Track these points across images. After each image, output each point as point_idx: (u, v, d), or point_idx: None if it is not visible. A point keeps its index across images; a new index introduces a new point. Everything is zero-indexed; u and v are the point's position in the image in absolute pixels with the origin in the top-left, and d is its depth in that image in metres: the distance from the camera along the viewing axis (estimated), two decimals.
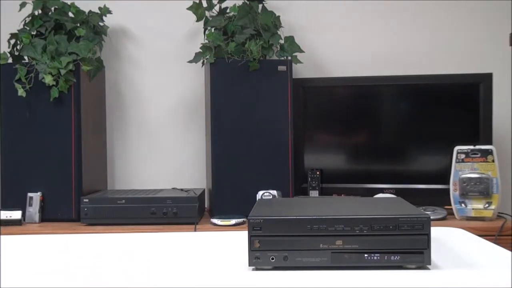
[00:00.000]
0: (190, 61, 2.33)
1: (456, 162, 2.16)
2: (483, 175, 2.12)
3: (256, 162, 2.26)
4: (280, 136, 2.27)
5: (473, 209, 2.12)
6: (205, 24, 2.37)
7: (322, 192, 2.37)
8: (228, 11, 2.36)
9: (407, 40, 2.58)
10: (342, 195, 2.36)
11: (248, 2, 2.35)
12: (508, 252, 1.14)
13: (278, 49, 2.35)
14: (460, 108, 2.32)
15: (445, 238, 1.30)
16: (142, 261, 1.14)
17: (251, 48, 2.22)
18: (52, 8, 2.35)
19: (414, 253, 0.99)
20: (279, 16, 2.39)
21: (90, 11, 2.41)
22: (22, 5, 2.30)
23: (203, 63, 2.42)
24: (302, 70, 2.56)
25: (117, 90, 2.64)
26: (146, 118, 2.64)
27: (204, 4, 2.38)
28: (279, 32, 2.35)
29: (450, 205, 2.17)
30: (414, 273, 0.98)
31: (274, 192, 2.17)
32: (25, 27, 2.32)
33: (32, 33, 2.30)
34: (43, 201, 2.25)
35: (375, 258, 1.00)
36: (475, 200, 2.13)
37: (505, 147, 2.53)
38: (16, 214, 2.19)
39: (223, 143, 2.26)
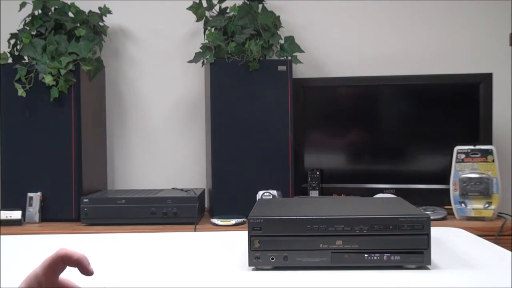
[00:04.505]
0: (190, 61, 2.33)
1: (456, 162, 2.16)
2: (483, 175, 2.12)
3: (256, 162, 2.26)
4: (280, 136, 2.27)
5: (473, 209, 2.12)
6: (205, 24, 2.36)
7: (322, 192, 2.36)
8: (228, 11, 2.36)
9: (407, 40, 2.58)
10: (342, 195, 2.36)
11: (248, 2, 2.35)
12: (508, 252, 1.14)
13: (278, 49, 2.35)
14: (460, 108, 2.32)
15: (445, 238, 1.30)
16: (142, 261, 1.14)
17: (251, 48, 2.22)
18: (52, 8, 2.35)
19: (414, 253, 0.99)
20: (279, 16, 2.39)
21: (90, 11, 2.41)
22: (22, 5, 2.30)
23: (203, 63, 2.42)
24: (302, 70, 2.56)
25: (117, 90, 2.64)
26: (146, 118, 2.64)
27: (204, 4, 2.38)
28: (279, 32, 2.35)
29: (450, 205, 2.17)
30: (414, 273, 0.98)
31: (274, 192, 2.17)
32: (25, 27, 2.32)
33: (32, 33, 2.30)
34: (43, 201, 2.24)
35: (375, 258, 1.00)
36: (475, 200, 2.13)
37: (505, 147, 2.53)
38: (16, 214, 2.19)
39: (223, 143, 2.26)
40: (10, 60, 2.31)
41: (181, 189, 2.41)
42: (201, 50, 2.30)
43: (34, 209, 2.22)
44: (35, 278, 0.66)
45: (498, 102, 2.51)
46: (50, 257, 0.66)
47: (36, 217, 2.22)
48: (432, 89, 2.34)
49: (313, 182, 2.35)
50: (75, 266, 0.67)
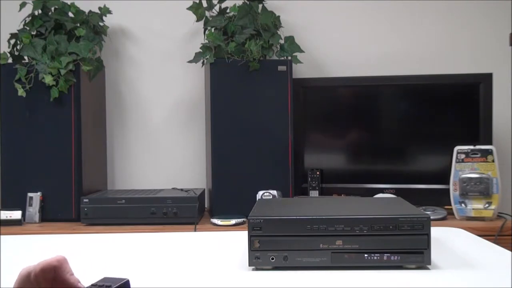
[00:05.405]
0: (190, 61, 2.33)
1: (456, 162, 2.16)
2: (483, 175, 2.12)
3: (256, 162, 2.26)
4: (280, 136, 2.27)
5: (473, 209, 2.12)
6: (205, 24, 2.37)
7: (322, 192, 2.36)
8: (228, 11, 2.36)
9: (407, 40, 2.58)
10: (342, 195, 2.36)
11: (248, 2, 2.35)
12: (508, 252, 1.14)
13: (278, 49, 2.35)
14: (460, 108, 2.32)
15: (445, 238, 1.30)
16: (142, 261, 1.14)
17: (251, 48, 2.22)
18: (52, 8, 2.35)
19: (414, 253, 0.99)
20: (279, 16, 2.39)
21: (90, 11, 2.41)
22: (22, 5, 2.30)
23: (203, 63, 2.42)
24: (302, 70, 2.56)
25: (117, 90, 2.64)
26: (146, 118, 2.64)
27: (204, 4, 2.38)
28: (279, 32, 2.35)
29: (450, 205, 2.17)
30: (414, 273, 0.98)
31: (274, 192, 2.17)
32: (25, 27, 2.32)
33: (32, 33, 2.29)
34: (43, 201, 2.24)
35: (375, 258, 1.00)
36: (475, 200, 2.13)
37: (505, 147, 2.53)
38: (16, 214, 2.19)
39: (223, 143, 2.26)
40: (10, 60, 2.31)
41: (181, 189, 2.41)
42: (201, 50, 2.30)
43: (34, 209, 2.22)
44: (26, 276, 0.67)
45: (498, 102, 2.51)
46: (47, 261, 0.67)
47: (36, 217, 2.22)
48: (432, 89, 2.34)
49: (313, 182, 2.35)
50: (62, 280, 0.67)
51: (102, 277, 0.83)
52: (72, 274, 0.68)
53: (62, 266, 0.67)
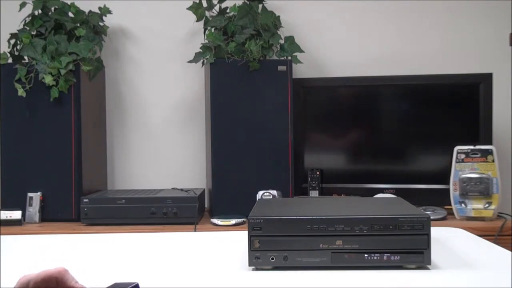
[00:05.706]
0: (190, 61, 2.33)
1: (456, 162, 2.16)
2: (483, 175, 2.11)
3: (256, 162, 2.26)
4: (280, 136, 2.27)
5: (473, 209, 2.12)
6: (205, 24, 2.37)
7: (322, 192, 2.36)
8: (228, 11, 2.36)
9: (407, 40, 2.58)
10: (342, 195, 2.36)
11: (248, 2, 2.35)
12: (508, 252, 1.14)
13: (278, 49, 2.35)
14: (460, 108, 2.32)
15: (445, 238, 1.30)
16: (142, 261, 1.14)
17: (251, 48, 2.22)
18: (52, 8, 2.35)
19: (414, 253, 0.99)
20: (279, 16, 2.39)
21: (90, 11, 2.41)
22: (22, 5, 2.30)
23: (203, 63, 2.42)
24: (302, 70, 2.56)
25: (117, 90, 2.64)
26: (146, 118, 2.64)
27: (204, 4, 2.38)
28: (279, 32, 2.35)
29: (450, 205, 2.17)
30: (414, 273, 0.98)
31: (274, 192, 2.17)
32: (25, 27, 2.32)
33: (32, 33, 2.29)
34: (43, 201, 2.24)
35: (375, 258, 1.00)
36: (475, 200, 2.13)
37: (505, 147, 2.53)
38: (16, 214, 2.19)
39: (223, 143, 2.26)
40: (10, 60, 2.31)
41: (181, 189, 2.41)
42: (201, 50, 2.30)
43: (34, 209, 2.22)
44: (26, 284, 0.67)
45: (498, 102, 2.51)
46: (48, 272, 0.67)
47: (36, 217, 2.22)
48: (432, 89, 2.34)
49: (313, 182, 2.35)
50: None
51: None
52: (77, 282, 0.68)
53: (64, 277, 0.67)
